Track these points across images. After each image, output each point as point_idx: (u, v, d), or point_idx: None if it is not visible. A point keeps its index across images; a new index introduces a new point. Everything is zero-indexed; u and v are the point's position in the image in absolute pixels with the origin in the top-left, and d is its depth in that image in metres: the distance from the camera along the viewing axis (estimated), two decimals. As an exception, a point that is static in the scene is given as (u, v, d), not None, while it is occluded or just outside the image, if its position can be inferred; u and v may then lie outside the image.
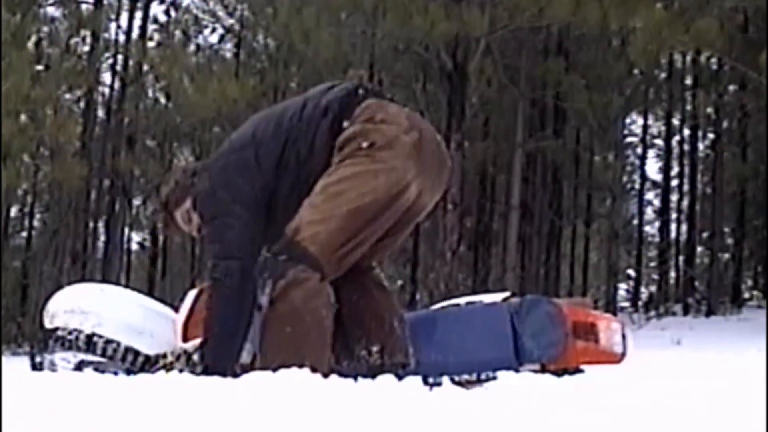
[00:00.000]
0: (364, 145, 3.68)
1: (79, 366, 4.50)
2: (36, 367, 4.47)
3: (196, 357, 4.09)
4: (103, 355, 4.54)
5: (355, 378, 3.32)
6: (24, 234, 30.50)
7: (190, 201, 4.04)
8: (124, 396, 2.70)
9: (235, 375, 3.38)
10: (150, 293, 18.66)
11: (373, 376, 3.24)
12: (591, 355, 4.47)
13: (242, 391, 2.85)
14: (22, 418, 2.36)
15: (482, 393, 3.08)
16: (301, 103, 3.90)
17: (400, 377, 3.31)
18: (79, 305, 4.55)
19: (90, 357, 4.58)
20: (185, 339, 4.25)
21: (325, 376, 3.17)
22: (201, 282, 4.38)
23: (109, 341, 4.56)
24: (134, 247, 32.01)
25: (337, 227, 3.64)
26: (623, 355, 4.71)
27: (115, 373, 4.37)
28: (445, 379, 4.66)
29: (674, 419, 2.52)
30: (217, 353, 3.80)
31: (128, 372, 4.47)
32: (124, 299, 4.61)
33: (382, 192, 3.66)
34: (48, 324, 4.56)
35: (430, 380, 4.46)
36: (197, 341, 4.01)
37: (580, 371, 4.79)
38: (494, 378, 4.73)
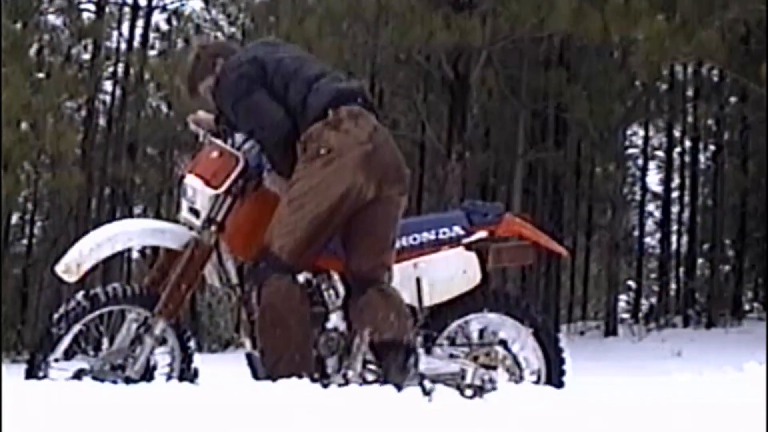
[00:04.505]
0: (323, 151, 4.50)
1: (78, 375, 4.49)
2: (33, 375, 4.46)
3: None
4: (106, 300, 4.59)
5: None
6: (24, 242, 30.48)
7: (213, 81, 4.83)
8: (123, 405, 2.69)
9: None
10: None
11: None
12: (531, 233, 5.06)
13: (240, 399, 2.85)
14: (22, 428, 2.35)
15: (481, 403, 3.07)
16: (315, 76, 4.68)
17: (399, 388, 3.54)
18: (104, 236, 4.70)
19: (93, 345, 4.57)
20: (210, 184, 4.73)
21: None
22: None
23: (107, 288, 4.63)
24: (134, 255, 31.93)
25: (301, 236, 4.50)
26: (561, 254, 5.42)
27: (114, 382, 4.37)
28: (443, 387, 4.68)
29: (674, 430, 2.51)
30: (281, 162, 4.66)
31: (127, 381, 4.47)
32: (134, 220, 4.97)
33: (335, 199, 4.50)
34: (74, 278, 4.61)
35: (428, 389, 4.51)
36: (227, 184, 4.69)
37: (561, 384, 4.91)
38: (494, 389, 4.75)
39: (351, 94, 4.68)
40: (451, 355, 4.92)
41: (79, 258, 4.62)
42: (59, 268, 4.66)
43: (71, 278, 4.64)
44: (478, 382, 4.84)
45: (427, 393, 4.38)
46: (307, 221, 4.48)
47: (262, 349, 4.47)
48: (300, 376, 4.16)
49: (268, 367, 4.41)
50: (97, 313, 4.62)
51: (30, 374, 4.47)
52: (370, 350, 4.58)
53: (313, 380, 4.16)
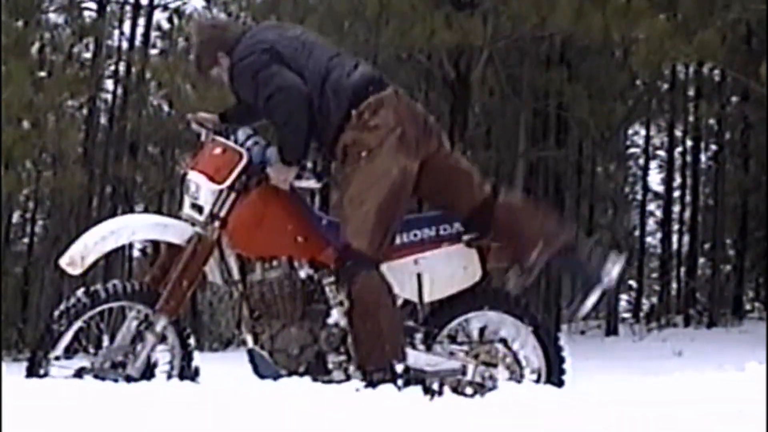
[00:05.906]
0: (363, 154, 4.69)
1: (79, 373, 4.49)
2: (34, 372, 4.46)
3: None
4: (106, 297, 4.60)
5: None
6: (25, 240, 30.47)
7: (228, 62, 4.92)
8: (124, 404, 2.69)
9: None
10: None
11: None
12: None
13: (241, 398, 2.85)
14: (23, 426, 2.35)
15: (482, 403, 3.07)
16: (324, 69, 4.83)
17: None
18: (108, 229, 4.72)
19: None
20: (214, 179, 4.78)
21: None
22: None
23: (107, 284, 4.64)
24: (135, 253, 31.97)
25: (373, 228, 4.66)
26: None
27: (115, 381, 4.37)
28: (445, 389, 4.71)
29: (675, 430, 2.52)
30: (295, 140, 4.77)
31: (128, 379, 4.47)
32: (138, 214, 5.01)
33: (389, 189, 4.68)
34: (77, 270, 4.62)
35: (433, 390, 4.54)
36: (231, 179, 4.75)
37: (561, 383, 4.93)
38: (494, 386, 4.77)
39: (364, 88, 4.83)
40: (452, 353, 4.94)
41: (84, 250, 4.64)
42: (63, 261, 4.66)
43: (75, 271, 4.65)
44: (478, 380, 4.87)
45: (428, 392, 4.40)
46: (373, 213, 4.66)
47: (355, 344, 4.68)
48: (387, 369, 4.53)
49: (360, 360, 4.63)
50: (98, 309, 4.62)
51: (31, 372, 4.47)
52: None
53: (315, 379, 4.17)
